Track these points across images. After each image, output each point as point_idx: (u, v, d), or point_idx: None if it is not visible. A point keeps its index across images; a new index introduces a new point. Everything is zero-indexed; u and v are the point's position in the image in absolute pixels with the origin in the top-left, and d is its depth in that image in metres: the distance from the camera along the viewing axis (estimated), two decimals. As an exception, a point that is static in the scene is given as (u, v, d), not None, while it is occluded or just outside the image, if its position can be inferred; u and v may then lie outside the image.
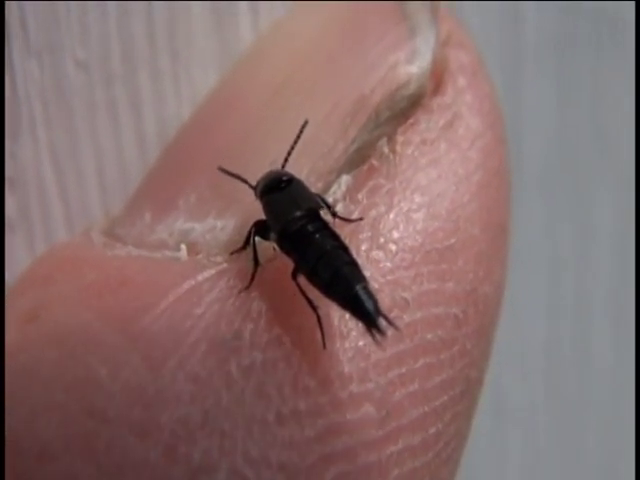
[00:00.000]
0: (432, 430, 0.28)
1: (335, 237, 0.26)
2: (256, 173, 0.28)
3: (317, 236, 0.26)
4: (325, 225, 0.27)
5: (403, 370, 0.27)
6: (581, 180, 0.43)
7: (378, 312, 0.25)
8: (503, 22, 0.39)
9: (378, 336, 0.25)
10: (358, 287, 0.25)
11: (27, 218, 0.32)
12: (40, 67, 0.31)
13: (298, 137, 0.28)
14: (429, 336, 0.28)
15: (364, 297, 0.25)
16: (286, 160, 0.28)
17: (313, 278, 0.26)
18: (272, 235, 0.27)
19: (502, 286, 0.31)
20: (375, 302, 0.25)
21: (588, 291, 0.46)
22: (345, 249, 0.26)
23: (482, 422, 0.32)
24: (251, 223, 0.28)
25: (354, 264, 0.26)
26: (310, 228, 0.26)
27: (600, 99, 0.42)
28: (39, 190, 0.32)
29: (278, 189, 0.27)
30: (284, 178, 0.27)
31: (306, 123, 0.28)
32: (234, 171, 0.28)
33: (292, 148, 0.28)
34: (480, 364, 0.30)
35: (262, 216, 0.28)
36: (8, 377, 0.26)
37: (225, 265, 0.27)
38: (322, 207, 0.27)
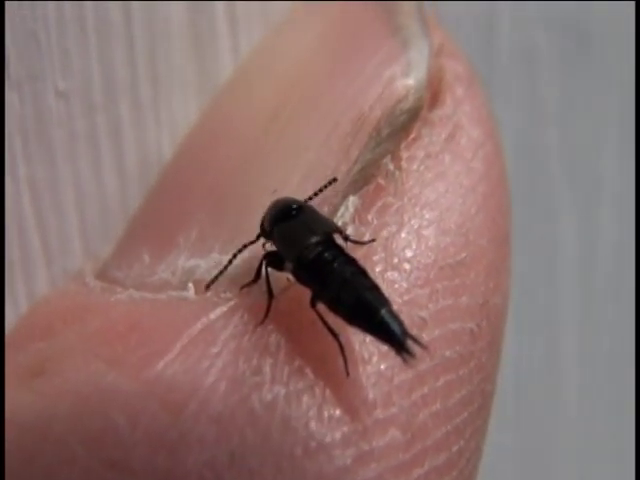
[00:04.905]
0: (455, 448, 0.27)
1: (353, 262, 0.26)
2: (259, 202, 0.27)
3: (335, 264, 0.25)
4: (342, 251, 0.26)
5: (425, 390, 0.27)
6: (550, 188, 0.43)
7: (405, 333, 0.25)
8: (476, 34, 0.39)
9: (406, 357, 0.25)
10: (383, 311, 0.25)
11: (6, 254, 0.31)
12: (20, 98, 0.30)
13: (321, 190, 0.27)
14: (448, 353, 0.27)
15: (390, 320, 0.25)
16: (310, 199, 0.27)
17: (335, 306, 0.25)
18: (287, 265, 0.26)
19: (508, 296, 0.30)
20: (401, 324, 0.25)
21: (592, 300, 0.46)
22: (364, 273, 0.26)
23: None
24: (259, 255, 0.27)
25: (375, 288, 0.25)
26: (327, 255, 0.26)
27: (569, 110, 0.42)
28: (17, 225, 0.31)
29: (289, 217, 0.26)
30: (294, 206, 0.27)
31: (334, 180, 0.27)
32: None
33: (316, 194, 0.27)
34: (493, 377, 0.29)
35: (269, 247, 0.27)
36: (18, 436, 0.25)
37: (236, 300, 0.26)
38: (337, 230, 0.26)
